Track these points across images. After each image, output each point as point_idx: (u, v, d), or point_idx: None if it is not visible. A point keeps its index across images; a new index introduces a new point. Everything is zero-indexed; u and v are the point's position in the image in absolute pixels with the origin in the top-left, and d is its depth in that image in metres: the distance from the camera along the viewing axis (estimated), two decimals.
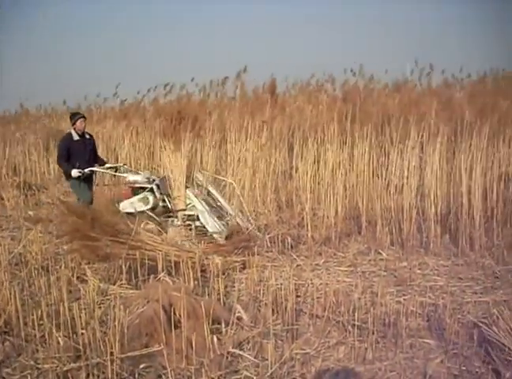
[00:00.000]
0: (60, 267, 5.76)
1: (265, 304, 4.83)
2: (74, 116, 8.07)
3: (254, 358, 4.02)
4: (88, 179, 7.95)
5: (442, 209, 6.88)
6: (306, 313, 4.81)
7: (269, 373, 3.79)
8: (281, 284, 5.05)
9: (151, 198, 7.13)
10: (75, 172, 7.65)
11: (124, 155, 12.07)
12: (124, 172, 7.89)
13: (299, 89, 13.45)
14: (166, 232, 6.73)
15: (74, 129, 7.95)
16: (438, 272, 5.84)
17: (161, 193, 7.19)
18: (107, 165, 8.19)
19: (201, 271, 5.42)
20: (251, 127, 9.27)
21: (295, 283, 5.28)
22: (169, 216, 7.15)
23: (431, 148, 7.25)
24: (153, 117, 12.23)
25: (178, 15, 31.86)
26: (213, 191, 7.44)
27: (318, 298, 5.02)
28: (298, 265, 6.06)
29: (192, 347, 3.84)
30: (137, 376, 3.80)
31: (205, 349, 3.96)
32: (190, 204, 7.07)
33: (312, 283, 5.40)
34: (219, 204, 7.32)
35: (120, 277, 5.32)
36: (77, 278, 5.62)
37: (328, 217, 7.20)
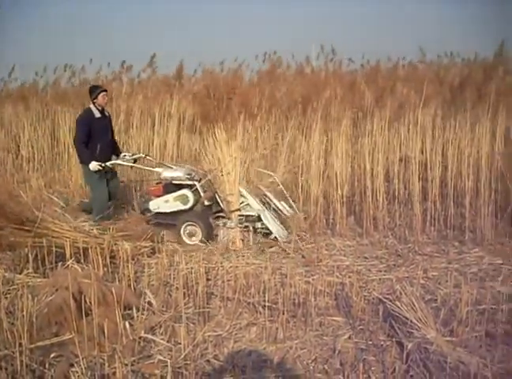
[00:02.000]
0: None
1: (176, 288, 4.83)
2: (95, 89, 7.08)
3: (167, 342, 4.02)
4: (106, 170, 7.02)
5: (348, 192, 7.08)
6: (217, 295, 4.85)
7: (182, 356, 3.80)
8: (192, 268, 5.06)
9: (191, 197, 6.51)
10: (94, 165, 6.77)
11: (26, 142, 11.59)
12: (153, 166, 7.19)
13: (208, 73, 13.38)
14: (207, 236, 6.31)
15: (94, 104, 7.01)
16: (344, 252, 6.02)
17: (205, 191, 6.63)
18: (125, 154, 7.38)
19: (111, 257, 5.33)
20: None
21: (206, 267, 5.31)
22: (218, 217, 6.57)
23: (335, 132, 7.44)
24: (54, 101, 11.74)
25: None
26: (262, 187, 6.95)
27: (228, 280, 5.07)
28: (208, 250, 6.09)
29: (104, 334, 3.79)
30: (47, 366, 3.71)
31: (118, 335, 3.92)
32: (243, 202, 6.50)
33: (222, 266, 5.45)
34: (272, 202, 6.80)
35: (27, 266, 5.13)
36: None
37: None
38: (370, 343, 4.02)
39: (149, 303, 4.48)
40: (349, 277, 5.12)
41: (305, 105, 8.12)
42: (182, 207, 6.52)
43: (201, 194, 6.59)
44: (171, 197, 6.58)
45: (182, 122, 10.44)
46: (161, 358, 3.80)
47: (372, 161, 7.07)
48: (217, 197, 6.55)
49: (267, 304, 4.45)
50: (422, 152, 7.24)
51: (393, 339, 3.95)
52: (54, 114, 11.27)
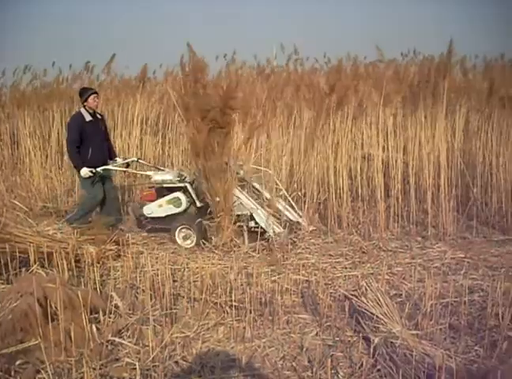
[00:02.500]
0: None
1: (143, 290, 4.81)
2: (86, 91, 6.80)
3: (135, 344, 3.99)
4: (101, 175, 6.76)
5: (312, 190, 7.13)
6: (184, 296, 4.83)
7: (150, 359, 3.78)
8: (158, 270, 5.04)
9: (184, 199, 6.45)
10: (85, 172, 6.52)
11: None
12: (145, 169, 7.05)
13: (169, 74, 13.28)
14: (200, 238, 6.24)
15: (85, 107, 6.73)
16: (309, 250, 6.07)
17: (197, 193, 6.55)
18: (119, 159, 7.14)
19: (76, 261, 5.27)
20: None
21: (172, 268, 5.30)
22: (211, 218, 6.43)
23: (298, 130, 7.49)
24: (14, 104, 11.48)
25: None
26: (257, 185, 6.69)
27: (194, 281, 5.06)
28: (173, 252, 6.08)
29: (71, 339, 3.75)
30: (13, 373, 3.63)
31: (85, 339, 3.89)
32: (234, 201, 6.32)
33: (188, 267, 5.44)
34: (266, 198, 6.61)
35: None
36: None
37: None
38: (338, 339, 4.07)
39: (116, 306, 4.44)
40: (315, 275, 5.16)
41: (267, 104, 8.15)
42: (176, 210, 6.47)
43: (194, 196, 6.52)
44: (163, 200, 6.51)
45: (145, 124, 10.37)
46: (129, 360, 3.77)
47: (335, 159, 7.14)
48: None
49: (234, 304, 4.46)
50: (384, 150, 7.32)
51: (360, 335, 3.99)
52: (14, 117, 11.07)
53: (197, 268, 5.36)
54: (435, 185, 6.79)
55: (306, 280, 5.10)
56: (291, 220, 6.48)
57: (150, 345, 3.89)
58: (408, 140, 7.43)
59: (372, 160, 7.42)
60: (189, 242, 6.33)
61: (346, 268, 5.50)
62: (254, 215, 6.27)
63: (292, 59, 12.14)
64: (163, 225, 6.52)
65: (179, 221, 6.40)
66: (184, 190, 6.55)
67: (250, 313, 4.36)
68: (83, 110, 6.73)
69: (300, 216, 6.60)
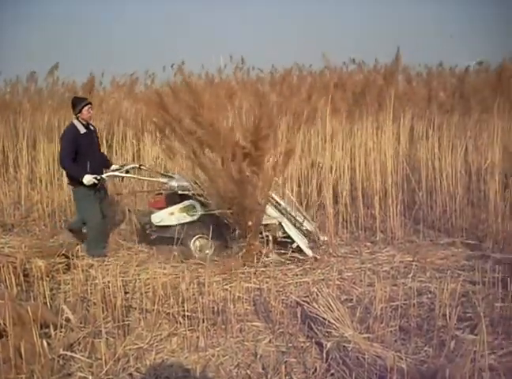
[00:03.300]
0: None
1: (94, 303, 4.75)
2: (79, 102, 6.38)
3: (87, 358, 3.95)
4: (99, 187, 6.34)
5: None
6: (136, 308, 4.80)
7: (103, 372, 3.75)
8: (109, 282, 4.98)
9: (198, 206, 6.06)
10: (89, 178, 6.10)
11: None
12: (150, 175, 6.71)
13: (116, 85, 13.19)
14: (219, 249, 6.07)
15: (78, 118, 6.34)
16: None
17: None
18: (114, 166, 6.70)
19: (24, 275, 5.17)
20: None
21: (123, 280, 5.26)
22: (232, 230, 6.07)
23: None
24: None
25: None
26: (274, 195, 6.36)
27: (146, 292, 5.02)
28: (124, 263, 6.02)
29: (21, 355, 3.68)
30: None
31: (35, 355, 3.80)
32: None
33: (140, 278, 5.40)
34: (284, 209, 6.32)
35: None
36: None
37: None
38: (291, 345, 4.11)
39: (67, 320, 4.38)
40: (266, 282, 5.18)
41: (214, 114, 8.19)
42: (189, 218, 6.11)
43: (209, 202, 6.06)
44: (176, 208, 6.15)
45: None
46: (82, 375, 3.74)
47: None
48: None
49: (187, 313, 4.46)
50: (332, 157, 7.43)
51: (313, 340, 4.04)
52: None
53: (148, 278, 5.32)
54: (382, 191, 6.92)
55: (258, 288, 5.13)
56: (308, 230, 6.33)
57: (103, 358, 3.86)
58: (355, 147, 7.55)
59: (320, 167, 7.52)
60: (206, 252, 6.12)
61: (297, 274, 5.54)
62: (283, 224, 6.01)
63: (239, 68, 12.23)
64: (174, 234, 6.04)
65: (194, 230, 6.13)
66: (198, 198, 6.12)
67: (203, 322, 4.35)
68: (76, 122, 6.37)
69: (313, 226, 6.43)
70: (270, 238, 5.95)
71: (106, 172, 6.41)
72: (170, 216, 6.13)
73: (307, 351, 3.98)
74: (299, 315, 4.37)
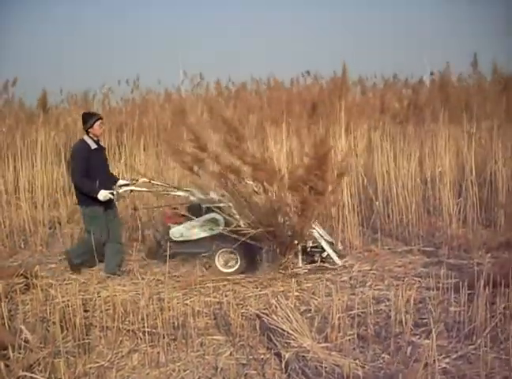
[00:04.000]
0: None
1: (54, 323, 4.71)
2: (91, 117, 6.21)
3: (47, 378, 3.93)
4: (108, 204, 6.19)
5: None
6: (96, 326, 4.78)
7: None
8: (68, 301, 4.95)
9: (222, 220, 5.86)
10: (104, 194, 5.95)
11: None
12: (167, 190, 6.39)
13: (74, 102, 13.11)
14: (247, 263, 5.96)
15: (88, 133, 6.18)
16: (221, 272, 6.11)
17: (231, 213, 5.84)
18: (122, 181, 6.45)
19: None
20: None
21: (83, 298, 5.23)
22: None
23: None
24: None
25: None
26: None
27: (106, 309, 5.00)
28: (84, 282, 5.98)
29: None
30: None
31: None
32: None
33: (100, 296, 5.38)
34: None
35: None
36: None
37: None
38: (251, 357, 4.15)
39: (26, 340, 4.33)
40: (226, 296, 5.21)
41: (172, 130, 8.27)
42: (211, 232, 5.93)
43: (237, 217, 5.83)
44: (197, 222, 5.96)
45: (49, 154, 10.14)
46: None
47: None
48: None
49: (147, 329, 4.47)
50: (287, 168, 7.50)
51: (272, 351, 4.09)
52: None
53: (108, 296, 5.30)
54: (340, 201, 7.01)
55: (218, 302, 5.16)
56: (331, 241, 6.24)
57: (63, 378, 3.84)
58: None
59: None
60: (231, 267, 6.01)
61: (257, 287, 5.58)
62: (314, 234, 5.92)
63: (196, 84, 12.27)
64: (195, 249, 6.05)
65: (219, 244, 5.98)
66: (221, 211, 5.93)
67: (164, 337, 4.37)
68: (87, 138, 6.20)
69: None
70: (299, 248, 5.93)
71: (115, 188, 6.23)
72: (190, 231, 5.97)
73: (267, 363, 4.02)
74: (258, 327, 4.43)
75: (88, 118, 6.21)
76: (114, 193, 6.06)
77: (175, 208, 6.29)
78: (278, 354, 4.02)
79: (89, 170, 6.04)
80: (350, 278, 5.73)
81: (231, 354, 4.22)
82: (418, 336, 4.24)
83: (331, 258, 5.97)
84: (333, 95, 8.71)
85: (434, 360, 3.57)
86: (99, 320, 4.86)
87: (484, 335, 4.01)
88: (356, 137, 8.78)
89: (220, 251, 6.01)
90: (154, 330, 4.52)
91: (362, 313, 4.66)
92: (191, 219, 6.00)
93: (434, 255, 6.33)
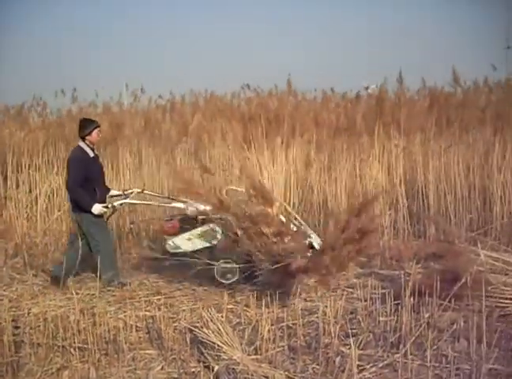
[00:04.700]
0: None
1: None
2: (90, 124, 6.05)
3: None
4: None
5: None
6: (27, 343, 4.71)
7: None
8: None
9: (219, 231, 5.67)
10: (98, 208, 5.82)
11: None
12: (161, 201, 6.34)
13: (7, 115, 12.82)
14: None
15: (84, 140, 6.02)
16: (157, 285, 6.12)
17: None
18: (114, 192, 6.38)
19: None
20: None
21: (14, 314, 5.16)
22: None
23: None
24: None
25: None
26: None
27: (38, 326, 4.94)
28: (16, 297, 5.89)
29: None
30: None
31: None
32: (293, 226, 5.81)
33: (31, 312, 5.30)
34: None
35: None
36: None
37: None
38: (182, 371, 4.18)
39: None
40: (159, 310, 5.21)
41: (109, 142, 8.26)
42: (209, 243, 5.75)
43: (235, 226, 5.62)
44: (194, 233, 5.77)
45: None
46: None
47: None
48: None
49: (78, 345, 4.45)
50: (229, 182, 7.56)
51: (203, 365, 4.13)
52: None
53: (39, 312, 5.23)
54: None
55: (152, 316, 5.16)
56: None
57: None
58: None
59: None
60: (229, 276, 5.78)
61: (191, 301, 5.61)
62: (312, 239, 5.74)
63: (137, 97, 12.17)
64: (189, 260, 5.73)
65: (218, 255, 5.76)
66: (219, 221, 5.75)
67: (95, 353, 4.36)
68: (83, 145, 6.04)
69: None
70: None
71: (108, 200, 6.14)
72: (187, 242, 5.78)
73: (198, 376, 4.05)
74: (188, 340, 4.46)
75: (87, 125, 6.07)
76: (110, 206, 5.97)
77: (169, 220, 6.14)
78: (209, 367, 4.06)
79: (86, 180, 5.89)
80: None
81: (162, 368, 4.24)
82: (348, 346, 4.33)
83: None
84: (276, 109, 8.87)
85: (362, 369, 3.68)
86: (30, 337, 4.79)
87: (409, 344, 4.15)
88: (294, 151, 8.90)
89: (219, 262, 5.80)
90: (85, 346, 4.49)
91: (293, 324, 4.74)
92: (188, 231, 5.86)
93: (367, 266, 6.45)
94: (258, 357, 4.17)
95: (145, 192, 6.60)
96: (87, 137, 6.03)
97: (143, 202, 6.57)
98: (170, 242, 5.81)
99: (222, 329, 4.24)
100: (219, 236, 5.72)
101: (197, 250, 5.73)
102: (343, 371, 3.85)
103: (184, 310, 5.29)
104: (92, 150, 6.11)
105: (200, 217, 5.86)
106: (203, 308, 5.02)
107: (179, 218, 6.02)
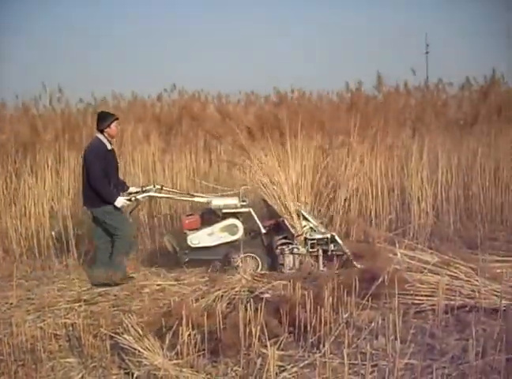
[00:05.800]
0: None
1: None
2: (108, 117, 6.01)
3: None
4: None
5: None
6: None
7: None
8: None
9: (240, 226, 5.81)
10: (122, 201, 5.84)
11: None
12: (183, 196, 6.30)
13: None
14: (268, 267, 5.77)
15: (103, 133, 5.96)
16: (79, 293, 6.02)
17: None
18: (133, 189, 6.28)
19: None
20: None
21: None
22: (285, 243, 5.87)
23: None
24: None
25: None
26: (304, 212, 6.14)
27: None
28: None
29: None
30: None
31: None
32: (305, 226, 5.96)
33: None
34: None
35: None
36: None
37: None
38: (103, 378, 4.12)
39: None
40: (80, 317, 5.11)
41: (27, 148, 8.10)
42: (231, 238, 5.87)
43: (258, 222, 5.96)
44: (215, 228, 5.89)
45: None
46: None
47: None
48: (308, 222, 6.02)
49: None
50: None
51: (124, 372, 4.09)
52: None
53: None
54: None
55: (72, 323, 5.07)
56: None
57: None
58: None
59: None
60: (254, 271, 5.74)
61: (113, 306, 5.55)
62: (336, 238, 5.99)
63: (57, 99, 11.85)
64: (213, 256, 5.92)
65: (242, 249, 5.80)
66: (240, 216, 6.00)
67: (12, 363, 4.24)
68: (102, 138, 5.99)
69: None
70: (320, 252, 5.97)
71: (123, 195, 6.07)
72: (208, 237, 5.88)
73: None
74: (110, 347, 4.39)
75: (106, 118, 6.03)
76: (133, 199, 5.98)
77: (189, 215, 6.18)
78: (128, 373, 4.03)
79: (105, 170, 5.88)
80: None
81: (82, 376, 4.18)
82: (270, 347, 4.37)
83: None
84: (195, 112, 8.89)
85: (283, 369, 3.73)
86: None
87: (329, 343, 4.24)
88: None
89: (243, 256, 5.84)
90: (1, 357, 4.37)
91: (214, 327, 4.73)
92: (209, 226, 5.94)
93: None
94: (180, 361, 4.16)
95: (164, 188, 6.55)
96: (106, 130, 6.00)
97: (166, 195, 6.58)
98: (191, 237, 5.88)
99: (143, 335, 4.21)
100: (240, 230, 5.90)
101: (216, 245, 5.88)
102: (264, 372, 3.88)
103: (105, 316, 5.21)
104: (110, 143, 6.08)
105: (222, 212, 6.01)
106: (124, 314, 4.98)
107: (200, 213, 6.10)
